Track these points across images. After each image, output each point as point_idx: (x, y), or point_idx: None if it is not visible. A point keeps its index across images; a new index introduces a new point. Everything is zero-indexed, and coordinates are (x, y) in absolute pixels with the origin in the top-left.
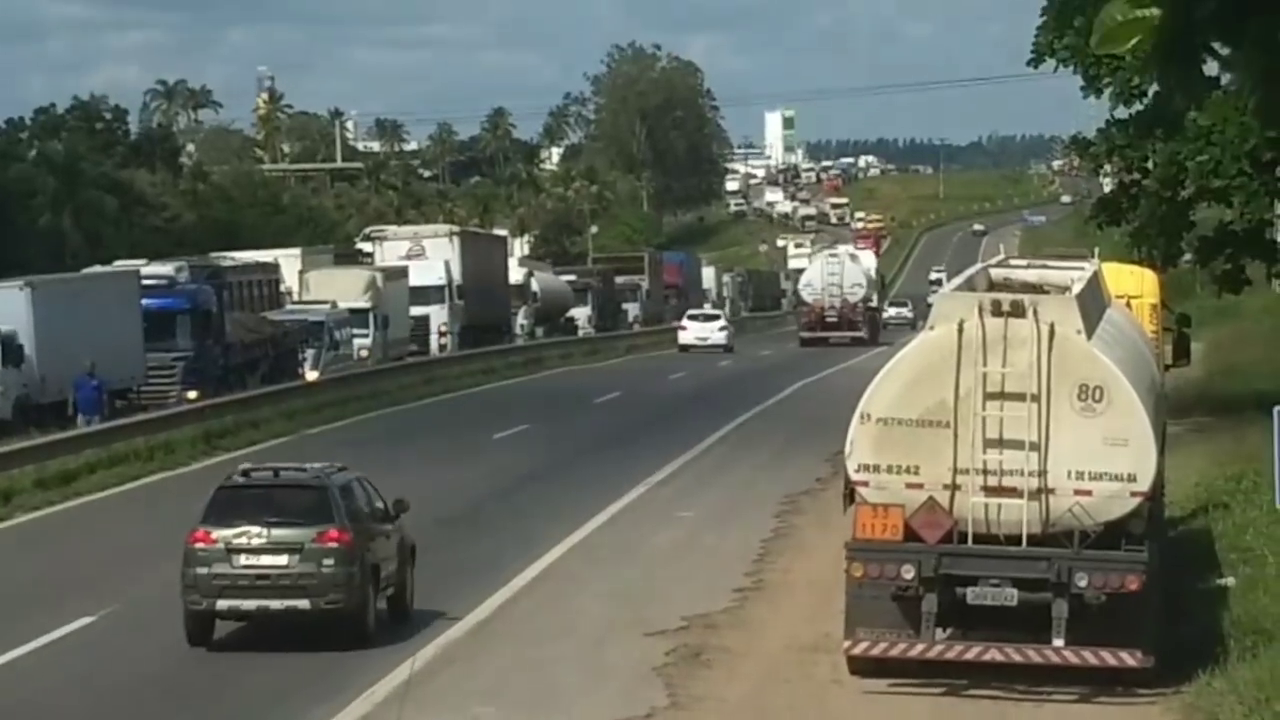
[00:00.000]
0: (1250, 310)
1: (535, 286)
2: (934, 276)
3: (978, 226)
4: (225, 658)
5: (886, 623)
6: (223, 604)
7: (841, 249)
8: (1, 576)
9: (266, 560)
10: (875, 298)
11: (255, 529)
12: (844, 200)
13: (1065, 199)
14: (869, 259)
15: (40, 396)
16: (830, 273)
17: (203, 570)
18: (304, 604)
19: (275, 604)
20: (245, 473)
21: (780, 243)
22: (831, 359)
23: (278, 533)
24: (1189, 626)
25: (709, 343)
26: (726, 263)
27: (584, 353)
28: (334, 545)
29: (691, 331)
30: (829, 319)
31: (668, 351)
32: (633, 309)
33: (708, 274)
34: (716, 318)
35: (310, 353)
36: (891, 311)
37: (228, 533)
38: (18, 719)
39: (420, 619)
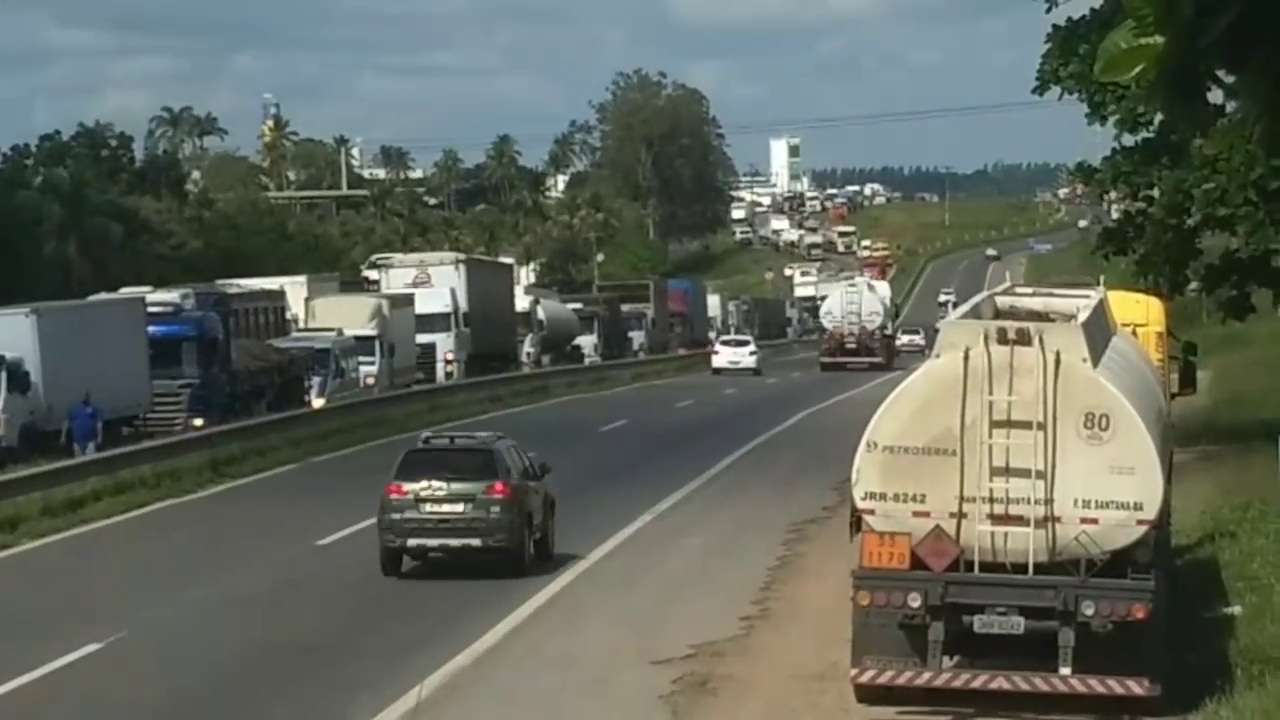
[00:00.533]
0: (1257, 338)
1: (541, 314)
2: (943, 299)
3: (991, 251)
4: (235, 687)
5: (893, 651)
6: (411, 542)
7: (860, 280)
8: (8, 603)
9: (446, 508)
10: (890, 325)
11: (438, 483)
12: (851, 229)
13: (1082, 223)
14: (884, 289)
15: (46, 424)
16: (850, 302)
17: (396, 516)
18: (475, 542)
19: (453, 542)
20: (427, 440)
21: (787, 272)
22: (839, 386)
23: (455, 486)
24: (1195, 655)
25: (740, 366)
26: (732, 291)
27: (590, 381)
28: (499, 496)
29: (724, 355)
30: (848, 345)
31: (674, 380)
32: (638, 337)
33: (713, 302)
34: (747, 343)
35: (316, 380)
36: (904, 339)
37: (416, 486)
38: None
39: (426, 646)
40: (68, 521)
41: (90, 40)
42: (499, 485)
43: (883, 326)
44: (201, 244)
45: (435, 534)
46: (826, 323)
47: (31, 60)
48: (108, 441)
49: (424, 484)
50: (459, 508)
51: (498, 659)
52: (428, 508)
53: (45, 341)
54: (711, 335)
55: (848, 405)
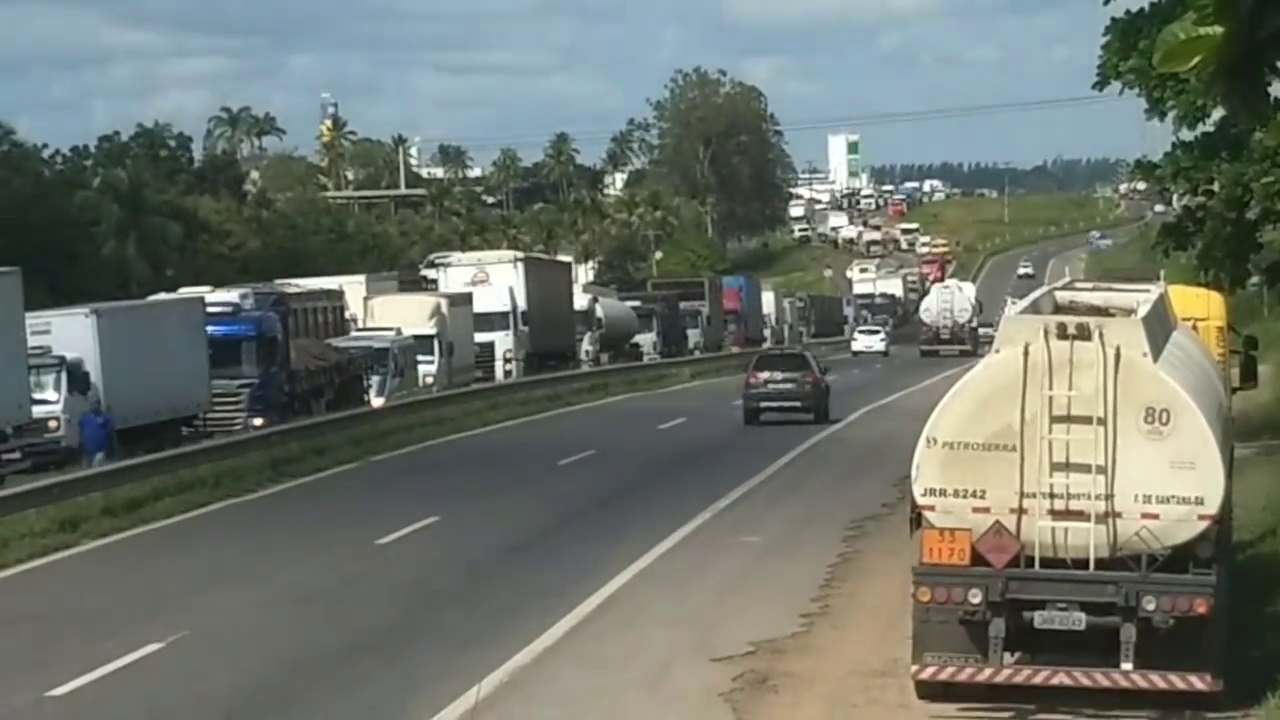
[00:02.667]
0: None
1: (600, 312)
2: (1021, 272)
3: (1024, 268)
4: (297, 685)
5: (954, 647)
6: (763, 404)
7: (951, 282)
8: (68, 604)
9: (784, 386)
10: (975, 319)
11: (778, 373)
12: (914, 225)
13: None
14: (970, 289)
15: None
16: (944, 300)
17: (753, 390)
18: (798, 403)
19: (787, 404)
20: (768, 351)
21: (849, 271)
22: (899, 382)
23: (787, 374)
24: (1257, 650)
25: (873, 349)
26: (791, 288)
27: (649, 378)
28: (809, 380)
29: (861, 341)
30: (943, 336)
31: (731, 378)
32: (694, 335)
33: (768, 299)
34: (878, 331)
35: (375, 379)
36: (984, 331)
37: (763, 375)
38: None
39: (486, 644)
40: (129, 521)
41: (148, 41)
42: (810, 375)
43: (970, 320)
44: (260, 244)
45: (774, 399)
46: (924, 318)
47: (91, 61)
48: (168, 442)
49: (769, 374)
50: (790, 386)
51: (557, 657)
52: (771, 387)
53: (105, 342)
54: (766, 332)
55: (913, 397)
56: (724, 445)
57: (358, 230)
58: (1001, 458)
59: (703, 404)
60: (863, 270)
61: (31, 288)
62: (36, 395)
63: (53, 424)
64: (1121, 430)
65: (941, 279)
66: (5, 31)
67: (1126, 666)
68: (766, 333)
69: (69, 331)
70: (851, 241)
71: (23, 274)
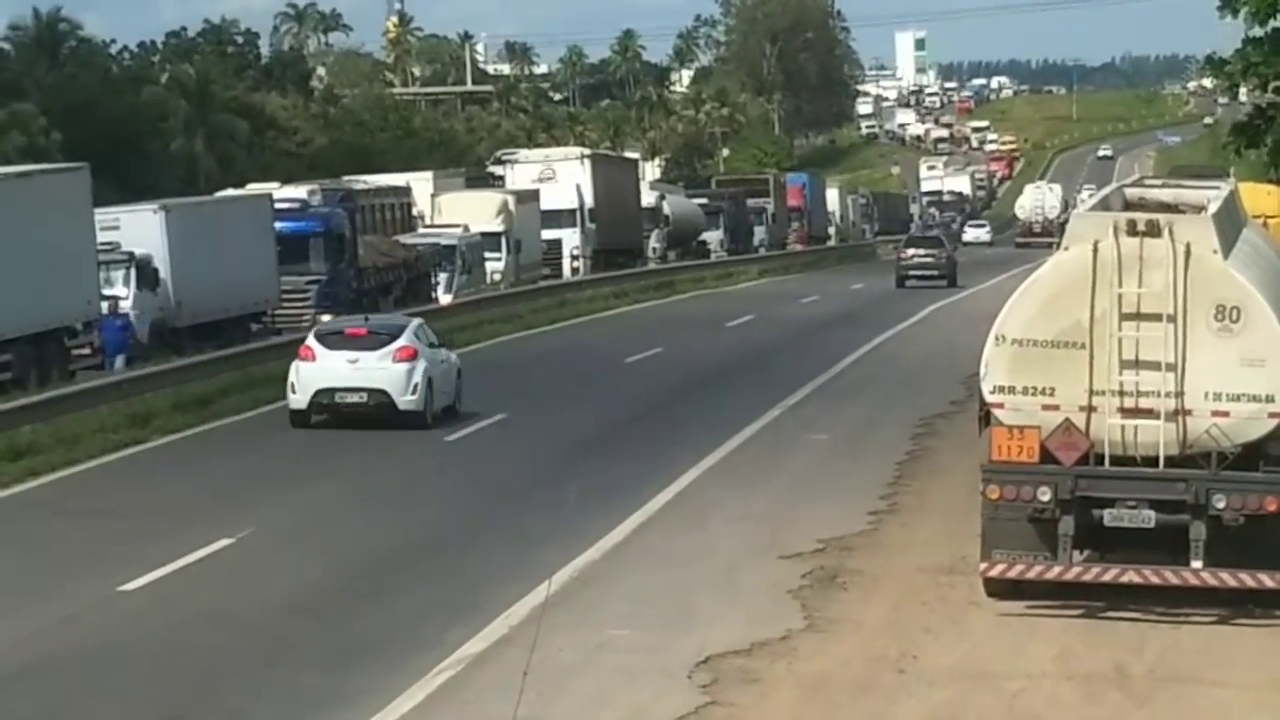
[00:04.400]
0: None
1: (667, 210)
2: (1102, 153)
3: (1104, 150)
4: (365, 582)
5: (1023, 545)
6: (911, 273)
7: (1043, 184)
8: (140, 499)
9: (925, 259)
10: (1063, 215)
11: (921, 250)
12: (984, 123)
13: (1208, 120)
14: (1058, 189)
15: (176, 320)
16: (1036, 199)
17: (904, 262)
18: (935, 272)
19: (928, 273)
20: (912, 234)
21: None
22: (961, 285)
23: (929, 250)
24: None
25: (980, 240)
26: (857, 185)
27: (716, 276)
28: (945, 258)
29: (970, 233)
30: (1035, 230)
31: (798, 275)
32: (759, 232)
33: (831, 196)
34: (985, 225)
35: (443, 276)
36: None
37: (910, 251)
38: (158, 643)
39: (556, 541)
40: (199, 417)
41: None
42: (945, 252)
43: (1059, 216)
44: (327, 141)
45: (918, 269)
46: (1020, 214)
47: None
48: (237, 338)
49: (913, 250)
50: (929, 259)
51: (626, 554)
52: (915, 259)
53: (174, 238)
54: (830, 230)
55: (970, 302)
56: (791, 343)
57: (424, 127)
58: (1071, 355)
59: (770, 302)
60: (930, 167)
61: (100, 184)
62: (106, 291)
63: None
64: (1191, 327)
65: (1010, 176)
66: None
67: (1196, 564)
68: (831, 230)
69: (138, 227)
70: (919, 139)
71: (91, 170)
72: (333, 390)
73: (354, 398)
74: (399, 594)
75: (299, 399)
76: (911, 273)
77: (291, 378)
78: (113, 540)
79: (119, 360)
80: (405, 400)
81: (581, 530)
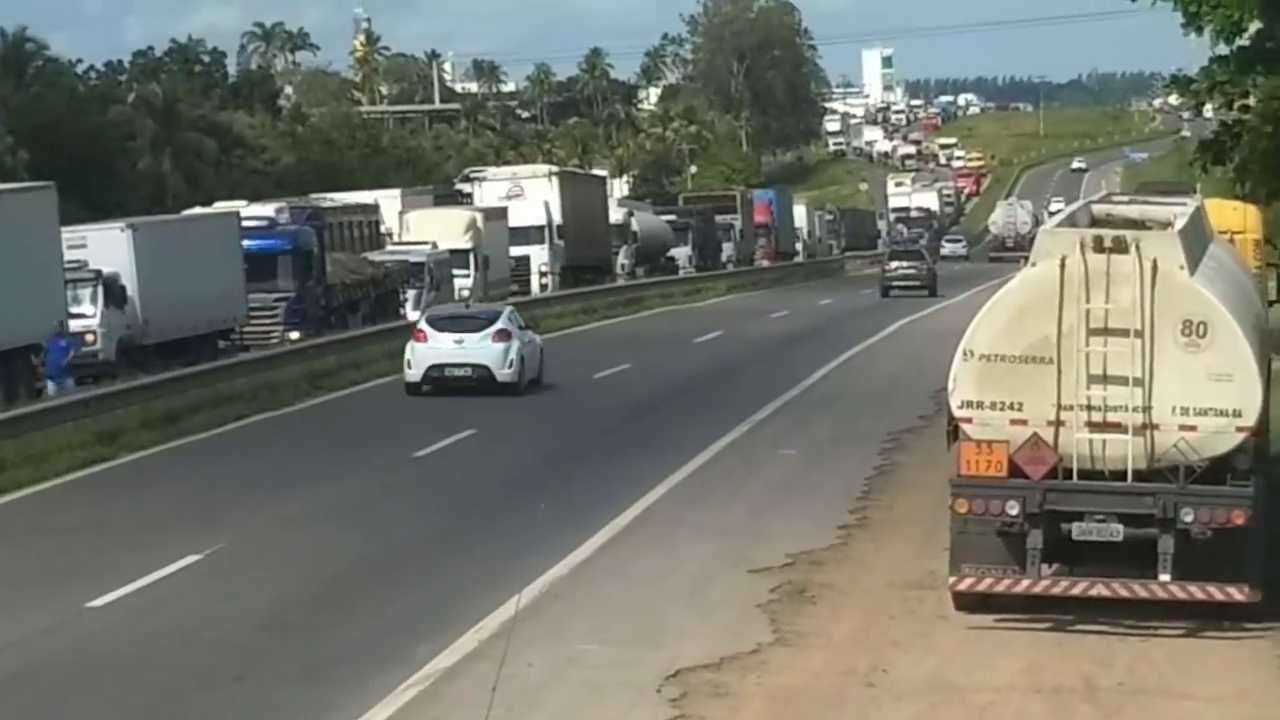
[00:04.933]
0: None
1: (635, 226)
2: (1075, 166)
3: (1077, 163)
4: (334, 597)
5: (991, 559)
6: (895, 283)
7: (1014, 200)
8: (108, 515)
9: (908, 271)
10: (1033, 231)
11: (904, 262)
12: (952, 140)
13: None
14: (1029, 205)
15: (143, 338)
16: (1008, 216)
17: (888, 274)
18: (917, 283)
19: (910, 283)
20: (895, 248)
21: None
22: (925, 300)
23: (911, 263)
24: None
25: (957, 254)
26: (825, 201)
27: (684, 292)
28: (926, 269)
29: (947, 248)
30: (1008, 245)
31: (766, 291)
32: (727, 248)
33: (799, 212)
34: (961, 240)
35: (411, 293)
36: None
37: (894, 264)
38: (127, 659)
39: (525, 556)
40: (165, 434)
41: None
42: (925, 264)
43: (1029, 232)
44: (295, 159)
45: (901, 280)
46: (993, 229)
47: None
48: (205, 356)
49: (896, 263)
50: (910, 271)
51: (595, 570)
52: (899, 271)
53: (142, 256)
54: (798, 246)
55: (937, 317)
56: (760, 359)
57: (392, 145)
58: (1039, 370)
59: (738, 318)
60: (898, 184)
61: (67, 202)
62: (73, 309)
63: (89, 338)
64: (1159, 342)
65: (978, 193)
66: None
67: (1164, 578)
68: (798, 246)
69: (105, 246)
70: (886, 155)
71: (59, 189)
72: (442, 365)
73: (460, 372)
74: (368, 609)
75: (414, 373)
76: (895, 283)
77: (407, 355)
78: (81, 556)
79: (51, 386)
80: (502, 373)
81: (550, 545)
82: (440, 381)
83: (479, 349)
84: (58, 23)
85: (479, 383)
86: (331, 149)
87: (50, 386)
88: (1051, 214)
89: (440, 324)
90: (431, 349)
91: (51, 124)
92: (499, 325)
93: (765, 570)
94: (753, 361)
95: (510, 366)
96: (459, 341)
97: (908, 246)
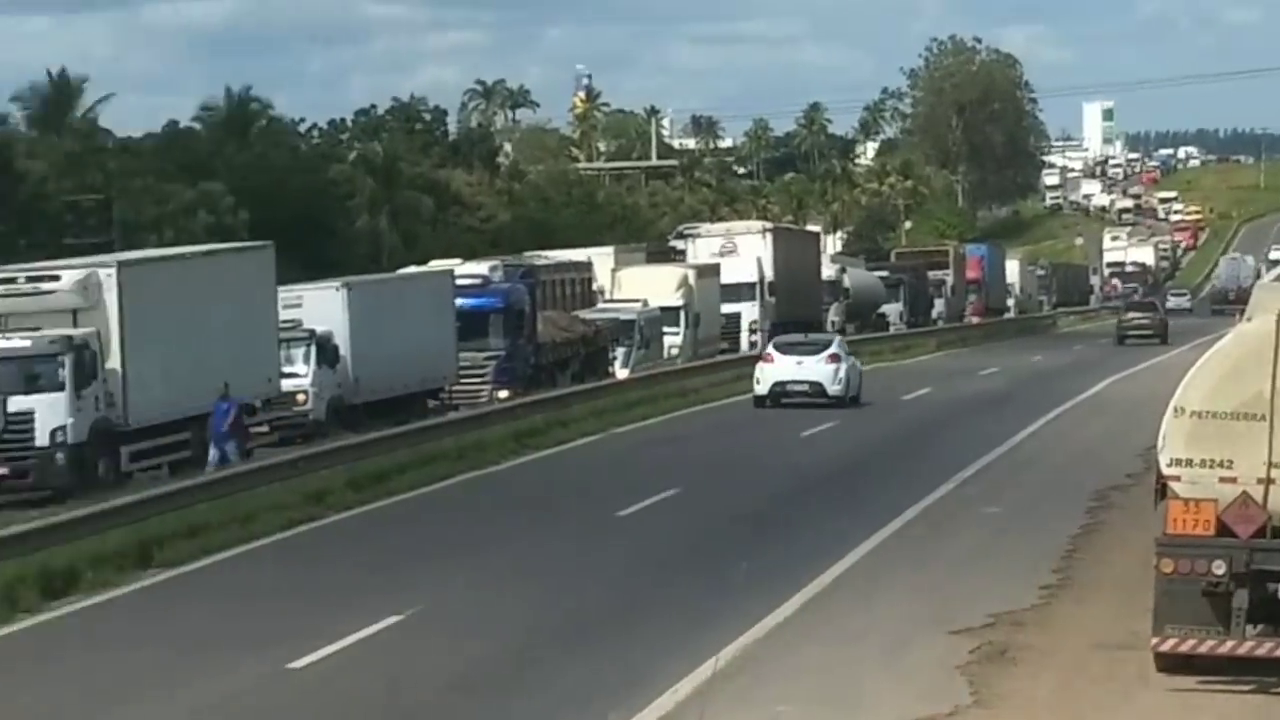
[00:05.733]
0: None
1: (847, 282)
2: (1275, 255)
3: None
4: (530, 657)
5: (1196, 619)
6: (1130, 332)
7: (1237, 254)
8: (313, 574)
9: (1141, 321)
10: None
11: (1138, 313)
12: (1173, 194)
13: None
14: (1251, 259)
15: (353, 397)
16: (1232, 269)
17: (1124, 324)
18: (1150, 332)
19: (1144, 332)
20: (1130, 300)
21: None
22: (1135, 356)
23: (1144, 313)
24: None
25: (1182, 307)
26: (1037, 256)
27: (893, 349)
28: (1159, 320)
29: (1172, 301)
30: (1230, 297)
31: (974, 348)
32: (938, 305)
33: (1011, 267)
34: (1184, 293)
35: (621, 351)
36: None
37: (1130, 314)
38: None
39: (724, 618)
40: (373, 494)
41: (405, 14)
42: (1158, 314)
43: (1252, 284)
44: (511, 216)
45: (1135, 329)
46: (1217, 283)
47: (348, 35)
48: (413, 415)
49: (1132, 314)
50: (1144, 321)
51: (792, 632)
52: (1134, 320)
53: (355, 315)
54: (1009, 301)
55: (1148, 374)
56: (967, 415)
57: (608, 201)
58: (1251, 427)
59: (947, 376)
60: (1114, 238)
61: (286, 261)
62: (286, 369)
63: (300, 397)
64: None
65: (1194, 246)
66: (265, 8)
67: None
68: (1010, 302)
69: (320, 305)
70: (1104, 209)
71: (279, 247)
72: (785, 383)
73: (799, 387)
74: (563, 670)
75: (761, 389)
76: (1131, 332)
77: (756, 374)
78: (283, 617)
79: (213, 453)
80: (833, 389)
81: (748, 609)
82: (783, 395)
83: (815, 369)
84: (283, 82)
85: (815, 397)
86: (547, 206)
87: (211, 454)
88: (1272, 263)
89: (784, 348)
90: (777, 369)
91: (273, 183)
92: (831, 350)
93: (966, 630)
94: (960, 419)
95: (840, 384)
96: (799, 363)
97: (1142, 299)
